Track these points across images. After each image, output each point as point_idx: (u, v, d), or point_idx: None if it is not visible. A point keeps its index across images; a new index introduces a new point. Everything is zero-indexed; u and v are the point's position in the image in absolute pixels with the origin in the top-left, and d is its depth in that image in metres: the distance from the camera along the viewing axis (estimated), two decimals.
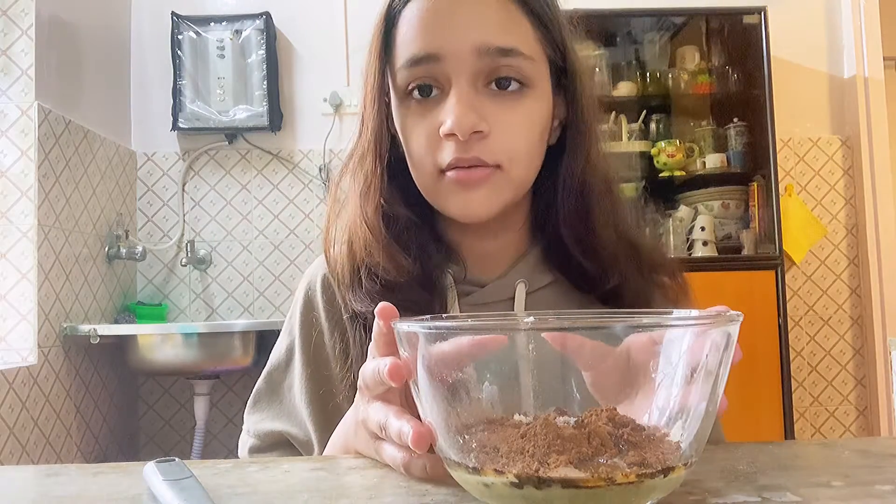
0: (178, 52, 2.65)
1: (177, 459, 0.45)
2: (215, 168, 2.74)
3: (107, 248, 2.46)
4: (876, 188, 2.80)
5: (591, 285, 0.72)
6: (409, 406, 0.46)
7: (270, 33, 2.69)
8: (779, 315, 2.48)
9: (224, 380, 2.62)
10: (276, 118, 2.69)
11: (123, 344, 2.23)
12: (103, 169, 2.46)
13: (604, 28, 2.75)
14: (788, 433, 2.46)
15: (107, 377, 2.43)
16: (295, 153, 2.76)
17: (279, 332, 0.80)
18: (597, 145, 0.72)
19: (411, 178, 0.70)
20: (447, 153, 0.64)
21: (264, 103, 2.65)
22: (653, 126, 2.73)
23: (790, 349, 2.59)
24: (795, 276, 2.82)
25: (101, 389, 2.40)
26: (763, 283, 2.49)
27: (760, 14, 2.60)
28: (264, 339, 2.28)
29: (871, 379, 2.79)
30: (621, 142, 2.67)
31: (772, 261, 2.53)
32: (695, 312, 0.45)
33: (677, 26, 2.79)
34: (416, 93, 0.66)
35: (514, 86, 0.65)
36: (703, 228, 2.60)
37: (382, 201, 0.69)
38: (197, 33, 2.66)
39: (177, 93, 2.65)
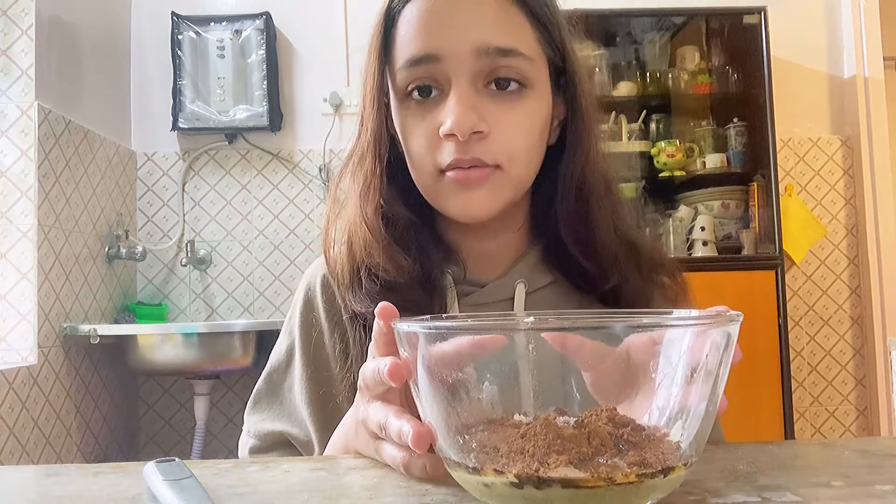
0: (178, 52, 2.65)
1: (177, 459, 0.45)
2: (215, 168, 2.74)
3: (107, 248, 2.46)
4: (876, 188, 2.80)
5: (591, 285, 0.72)
6: (409, 406, 0.46)
7: (270, 33, 2.69)
8: (779, 315, 2.48)
9: (224, 380, 2.62)
10: (276, 118, 2.69)
11: (123, 344, 2.23)
12: (103, 169, 2.46)
13: (604, 28, 2.75)
14: (788, 433, 2.46)
15: (107, 377, 2.43)
16: (295, 153, 2.76)
17: (279, 332, 0.80)
18: (596, 145, 0.72)
19: (411, 178, 0.70)
20: (447, 153, 0.64)
21: (264, 103, 2.65)
22: (653, 126, 2.73)
23: (790, 349, 2.59)
24: (795, 276, 2.82)
25: (101, 389, 2.40)
26: (763, 283, 2.49)
27: (760, 14, 2.60)
28: (264, 339, 2.28)
29: (871, 379, 2.79)
30: (621, 142, 2.67)
31: (772, 261, 2.53)
32: (695, 312, 0.45)
33: (677, 26, 2.79)
34: (415, 93, 0.66)
35: (513, 86, 0.65)
36: (703, 228, 2.60)
37: (382, 202, 0.69)
38: (197, 33, 2.67)
39: (177, 93, 2.65)
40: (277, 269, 2.73)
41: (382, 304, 0.46)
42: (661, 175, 2.67)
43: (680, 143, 2.66)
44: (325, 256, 0.75)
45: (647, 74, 2.73)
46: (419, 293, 0.69)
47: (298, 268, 2.72)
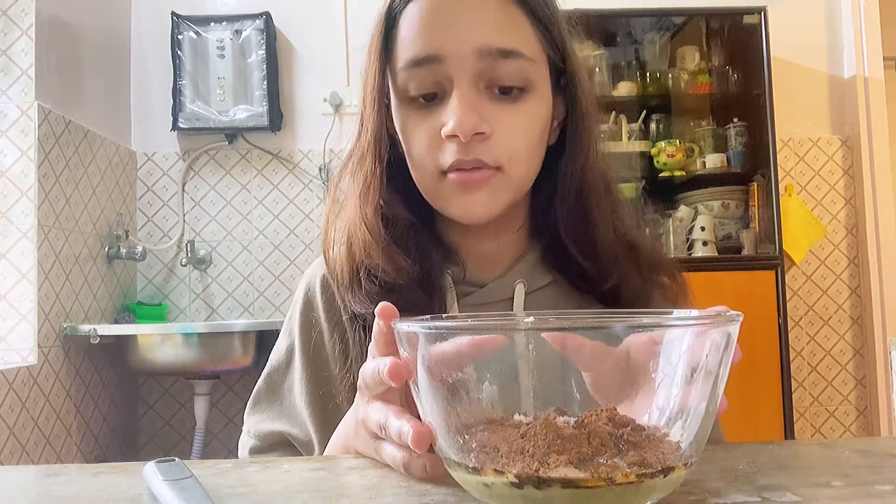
0: (178, 52, 2.65)
1: (177, 459, 0.45)
2: (215, 168, 2.74)
3: (107, 248, 2.46)
4: (876, 188, 2.80)
5: (591, 285, 0.72)
6: (409, 406, 0.46)
7: (270, 33, 2.69)
8: (779, 315, 2.48)
9: (224, 380, 2.62)
10: (276, 118, 2.69)
11: (123, 344, 2.23)
12: (103, 169, 2.46)
13: (604, 28, 2.75)
14: (788, 433, 2.46)
15: (107, 377, 2.43)
16: (295, 153, 2.76)
17: (279, 332, 0.80)
18: (596, 145, 0.71)
19: (410, 178, 0.70)
20: (448, 154, 0.64)
21: (264, 103, 2.65)
22: (653, 126, 2.73)
23: (790, 349, 2.59)
24: (795, 276, 2.82)
25: (101, 389, 2.40)
26: (763, 283, 2.49)
27: (760, 14, 2.60)
28: (264, 339, 2.28)
29: (871, 379, 2.79)
30: (621, 142, 2.67)
31: (772, 261, 2.53)
32: (695, 312, 0.45)
33: (677, 26, 2.79)
34: (420, 100, 0.66)
35: (515, 91, 0.65)
36: (703, 228, 2.60)
37: (382, 202, 0.69)
38: (197, 33, 2.67)
39: (177, 93, 2.65)
40: (277, 269, 2.73)
41: (382, 304, 0.46)
42: (661, 175, 2.67)
43: (680, 143, 2.66)
44: (325, 257, 0.75)
45: (647, 74, 2.73)
46: (419, 293, 0.69)
47: (298, 268, 2.72)
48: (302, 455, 0.73)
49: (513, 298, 0.71)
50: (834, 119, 2.90)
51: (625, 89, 2.68)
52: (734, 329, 0.38)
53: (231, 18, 2.69)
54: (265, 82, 2.65)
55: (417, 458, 0.44)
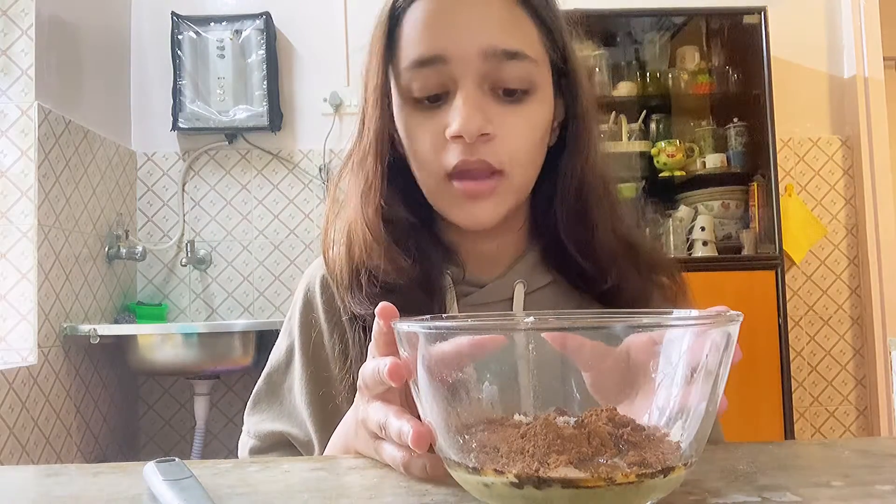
0: (178, 52, 2.65)
1: (177, 459, 0.45)
2: (215, 168, 2.74)
3: (107, 248, 2.46)
4: (876, 188, 2.80)
5: (590, 285, 0.72)
6: (409, 406, 0.46)
7: (270, 33, 2.69)
8: (779, 315, 2.48)
9: (224, 380, 2.62)
10: (276, 118, 2.69)
11: (123, 344, 2.23)
12: (103, 169, 2.46)
13: (604, 28, 2.75)
14: (788, 433, 2.46)
15: (107, 377, 2.43)
16: (295, 153, 2.76)
17: (279, 332, 0.80)
18: (595, 146, 0.71)
19: (409, 179, 0.70)
20: (452, 155, 0.64)
21: (264, 103, 2.65)
22: (653, 126, 2.73)
23: (790, 349, 2.59)
24: (795, 276, 2.82)
25: (101, 389, 2.40)
26: (763, 283, 2.49)
27: (760, 14, 2.60)
28: (264, 339, 2.28)
29: (871, 379, 2.79)
30: (621, 142, 2.67)
31: (772, 261, 2.53)
32: (695, 312, 0.45)
33: (677, 26, 2.79)
34: (424, 101, 0.66)
35: (519, 93, 0.65)
36: (703, 228, 2.60)
37: (382, 203, 0.69)
38: (197, 33, 2.67)
39: (177, 93, 2.65)
40: (277, 269, 2.73)
41: (382, 304, 0.46)
42: (661, 175, 2.67)
43: (680, 143, 2.66)
44: (325, 257, 0.74)
45: (647, 74, 2.73)
46: (418, 294, 0.68)
47: (298, 268, 2.72)
48: (302, 455, 0.73)
49: (512, 298, 0.71)
50: (834, 119, 2.90)
51: (625, 89, 2.68)
52: (734, 329, 0.38)
53: (231, 18, 2.69)
54: (265, 82, 2.65)
55: (417, 457, 0.44)
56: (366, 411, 0.48)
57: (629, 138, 2.68)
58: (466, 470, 0.38)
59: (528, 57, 0.64)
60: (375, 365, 0.45)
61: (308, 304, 0.76)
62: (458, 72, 0.63)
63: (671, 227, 2.62)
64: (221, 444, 2.63)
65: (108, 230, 2.48)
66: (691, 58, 2.74)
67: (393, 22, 0.67)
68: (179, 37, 2.66)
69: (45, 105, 2.11)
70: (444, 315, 0.68)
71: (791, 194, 2.78)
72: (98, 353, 2.33)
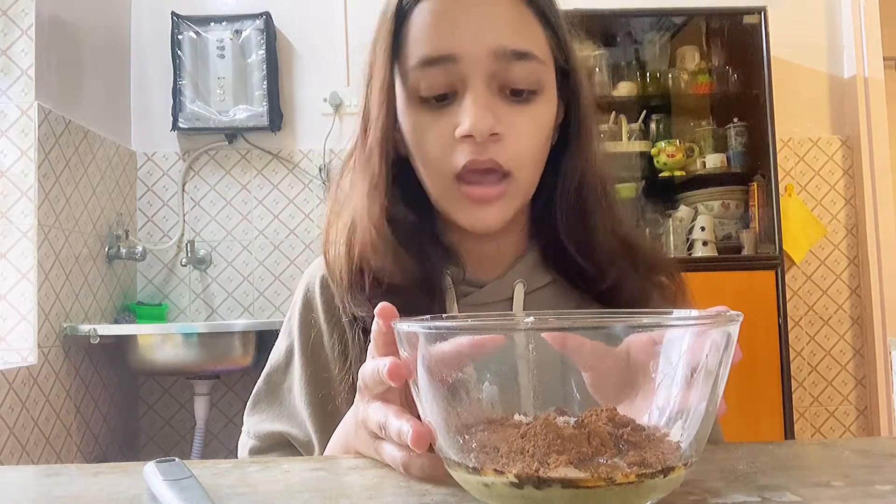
0: (178, 52, 2.65)
1: (177, 459, 0.45)
2: (215, 168, 2.75)
3: (107, 248, 2.46)
4: (876, 188, 2.80)
5: (590, 285, 0.72)
6: (409, 406, 0.46)
7: (270, 33, 2.69)
8: (779, 315, 2.48)
9: (224, 380, 2.62)
10: (276, 118, 2.69)
11: (123, 344, 2.23)
12: (103, 169, 2.46)
13: (604, 28, 2.75)
14: (788, 433, 2.46)
15: (107, 377, 2.43)
16: (295, 153, 2.76)
17: (279, 332, 0.80)
18: (595, 147, 0.71)
19: (410, 178, 0.70)
20: (461, 155, 0.64)
21: (264, 103, 2.65)
22: (653, 126, 2.73)
23: (790, 349, 2.59)
24: (795, 276, 2.82)
25: (101, 389, 2.40)
26: (763, 283, 2.49)
27: (760, 14, 2.60)
28: (264, 339, 2.28)
29: (871, 379, 2.79)
30: (621, 142, 2.67)
31: (772, 261, 2.53)
32: (695, 312, 0.45)
33: (677, 26, 2.79)
34: (432, 100, 0.65)
35: (525, 93, 0.65)
36: (703, 228, 2.60)
37: (386, 202, 0.69)
38: (197, 33, 2.67)
39: (177, 93, 2.65)
40: (277, 269, 2.73)
41: (382, 304, 0.46)
42: (661, 175, 2.67)
43: (680, 143, 2.66)
44: (325, 257, 0.74)
45: (647, 74, 2.73)
46: (418, 294, 0.68)
47: (298, 268, 2.72)
48: (302, 455, 0.73)
49: (512, 298, 0.71)
50: (834, 119, 2.90)
51: (625, 89, 2.68)
52: (734, 329, 0.38)
53: (231, 18, 2.69)
54: (265, 82, 2.65)
55: (417, 457, 0.44)
56: (366, 411, 0.48)
57: (629, 138, 2.68)
58: (466, 470, 0.38)
59: (536, 57, 0.64)
60: (375, 365, 0.45)
61: (308, 305, 0.76)
62: (467, 71, 0.63)
63: (671, 227, 2.62)
64: (221, 444, 2.63)
65: (108, 230, 2.48)
66: (691, 58, 2.74)
67: (399, 21, 0.66)
68: (179, 37, 2.66)
69: (45, 105, 2.11)
70: (444, 315, 0.68)
71: (791, 194, 2.78)
72: (98, 353, 2.34)
